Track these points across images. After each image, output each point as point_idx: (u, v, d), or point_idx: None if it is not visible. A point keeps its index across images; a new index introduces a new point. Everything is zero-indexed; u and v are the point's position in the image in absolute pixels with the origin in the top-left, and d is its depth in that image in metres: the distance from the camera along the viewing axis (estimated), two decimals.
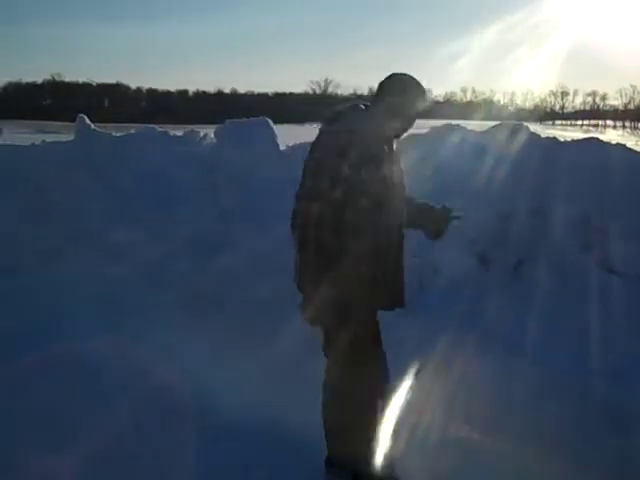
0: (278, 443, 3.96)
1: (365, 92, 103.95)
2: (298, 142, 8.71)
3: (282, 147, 8.46)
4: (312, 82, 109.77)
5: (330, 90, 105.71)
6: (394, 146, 3.48)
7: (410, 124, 3.56)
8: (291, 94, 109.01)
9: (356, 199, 3.20)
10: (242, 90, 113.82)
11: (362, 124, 3.33)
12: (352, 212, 3.20)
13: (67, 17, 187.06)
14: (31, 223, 6.73)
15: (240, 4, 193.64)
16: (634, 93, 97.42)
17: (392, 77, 3.55)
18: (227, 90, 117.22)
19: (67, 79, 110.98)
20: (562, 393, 4.52)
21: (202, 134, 8.65)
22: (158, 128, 9.08)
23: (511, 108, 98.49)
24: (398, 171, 3.47)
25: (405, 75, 3.56)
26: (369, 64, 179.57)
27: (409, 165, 7.51)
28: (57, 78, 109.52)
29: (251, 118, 8.85)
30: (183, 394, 4.40)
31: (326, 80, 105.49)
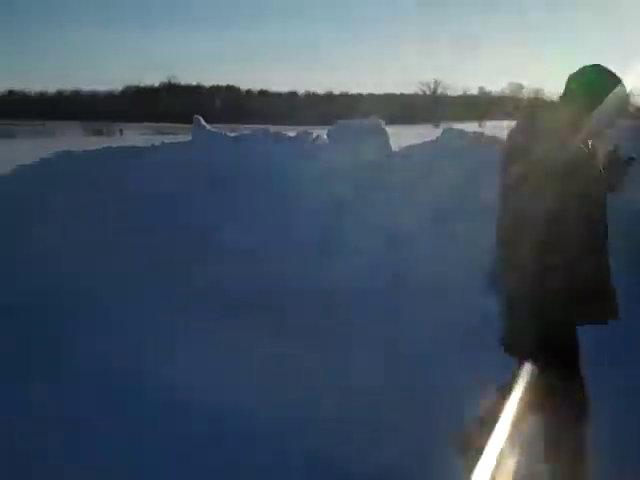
0: None
1: (475, 92, 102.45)
2: (409, 144, 8.69)
3: (394, 148, 8.45)
4: (421, 83, 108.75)
5: (439, 91, 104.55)
6: (593, 148, 3.15)
7: (608, 123, 3.16)
8: (401, 95, 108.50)
9: (562, 214, 2.93)
10: (352, 91, 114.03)
11: (558, 128, 2.98)
12: (558, 227, 2.93)
13: (183, 22, 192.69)
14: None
15: (350, 4, 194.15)
16: None
17: (583, 70, 3.15)
18: (337, 92, 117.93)
19: (182, 82, 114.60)
20: None
21: (315, 135, 8.74)
22: (270, 128, 9.25)
23: None
24: (597, 173, 3.13)
25: (598, 67, 3.14)
26: (479, 65, 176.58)
27: None
28: (172, 81, 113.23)
29: (362, 119, 8.88)
30: None
31: (435, 81, 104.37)
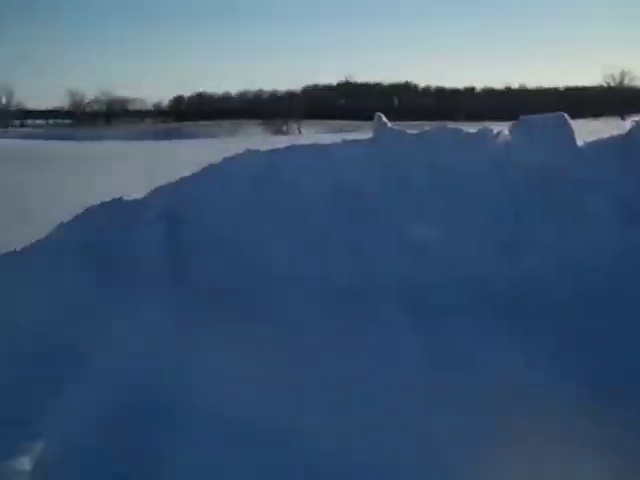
0: None
1: None
2: (595, 138, 8.39)
3: (579, 144, 8.18)
4: (606, 75, 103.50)
5: (626, 82, 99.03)
6: None
7: None
8: (584, 88, 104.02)
9: None
10: (531, 85, 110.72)
11: None
12: None
13: (356, 19, 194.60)
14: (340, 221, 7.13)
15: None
16: None
17: None
18: (515, 85, 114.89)
19: (359, 80, 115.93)
20: None
21: (496, 131, 8.61)
22: (449, 125, 9.21)
23: None
24: None
25: None
26: None
27: None
28: (350, 79, 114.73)
29: (546, 114, 8.65)
30: None
31: (622, 72, 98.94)
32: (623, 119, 63.73)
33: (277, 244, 6.85)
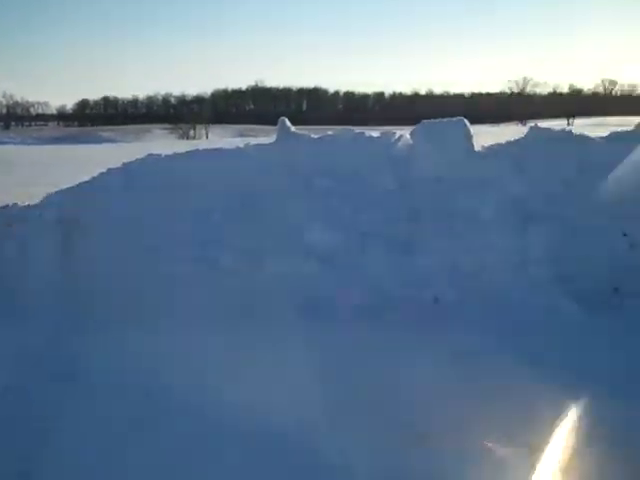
0: None
1: (565, 90, 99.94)
2: (493, 143, 8.57)
3: (478, 148, 8.34)
4: (510, 81, 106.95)
5: (528, 89, 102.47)
6: None
7: None
8: (488, 94, 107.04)
9: None
10: (438, 91, 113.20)
11: None
12: None
13: (267, 25, 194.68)
14: (236, 223, 7.08)
15: (431, 5, 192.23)
16: None
17: None
18: (423, 91, 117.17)
19: (269, 84, 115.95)
20: None
21: (397, 135, 8.70)
22: (354, 129, 9.25)
23: None
24: None
25: None
26: (571, 60, 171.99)
27: (612, 165, 7.21)
28: (260, 84, 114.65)
29: (447, 118, 8.79)
30: None
31: (524, 79, 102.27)
32: (523, 124, 65.80)
33: (172, 248, 6.74)
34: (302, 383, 4.60)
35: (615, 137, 8.44)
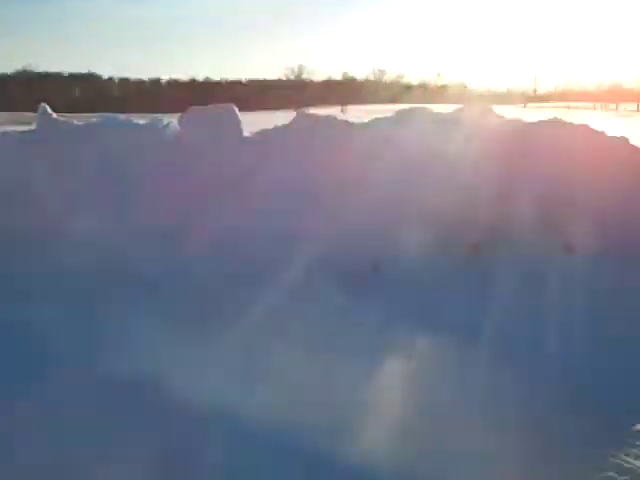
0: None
1: (339, 78, 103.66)
2: (262, 128, 8.69)
3: (246, 133, 8.41)
4: (286, 68, 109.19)
5: (304, 76, 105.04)
6: None
7: None
8: (265, 80, 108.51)
9: None
10: (216, 78, 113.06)
11: None
12: None
13: (36, 11, 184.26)
14: None
15: None
16: (605, 75, 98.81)
17: None
18: (200, 78, 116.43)
19: (38, 69, 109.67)
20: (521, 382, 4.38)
21: (165, 121, 8.58)
22: (121, 116, 9.01)
23: (485, 92, 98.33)
24: None
25: None
26: (343, 50, 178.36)
27: (372, 148, 7.57)
28: (28, 68, 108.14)
29: (216, 105, 8.79)
30: None
31: (300, 66, 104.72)
32: (297, 110, 67.39)
33: None
34: None
35: (376, 122, 8.87)
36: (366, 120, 9.03)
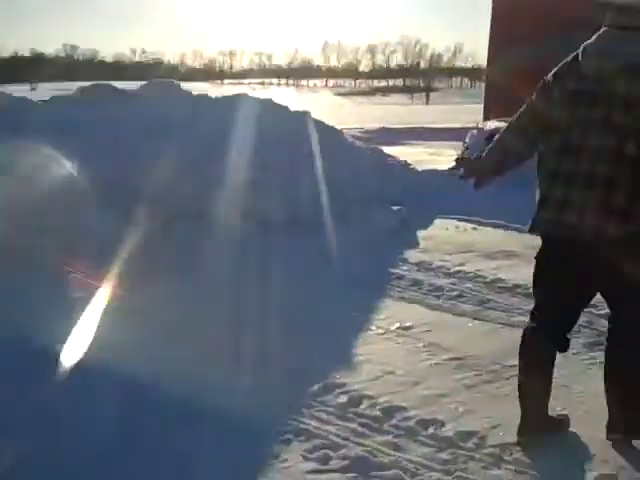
0: None
1: (27, 54, 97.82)
2: None
3: None
4: None
5: None
6: None
7: None
8: None
9: None
10: None
11: None
12: None
13: None
14: None
15: None
16: (296, 53, 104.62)
17: None
18: None
19: None
20: None
21: None
22: None
23: (181, 68, 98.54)
24: None
25: None
26: (32, 27, 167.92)
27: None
28: None
29: None
30: None
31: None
32: None
33: None
34: None
35: (56, 100, 8.57)
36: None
